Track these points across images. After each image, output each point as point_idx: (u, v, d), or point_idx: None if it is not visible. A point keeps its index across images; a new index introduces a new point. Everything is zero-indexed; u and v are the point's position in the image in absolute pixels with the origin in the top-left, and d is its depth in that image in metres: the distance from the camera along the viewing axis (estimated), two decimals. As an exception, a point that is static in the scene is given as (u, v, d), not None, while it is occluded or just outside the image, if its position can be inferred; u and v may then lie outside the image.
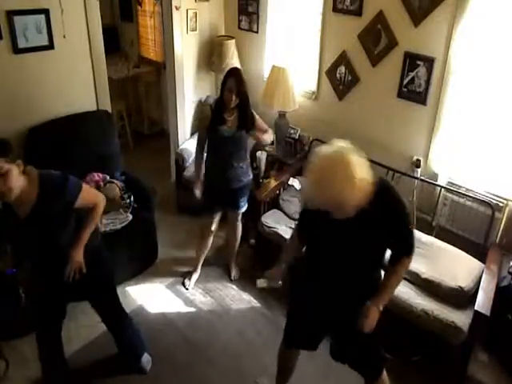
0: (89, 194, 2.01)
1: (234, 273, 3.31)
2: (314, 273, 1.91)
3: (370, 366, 2.02)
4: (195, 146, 2.96)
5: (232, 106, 2.68)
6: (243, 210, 3.08)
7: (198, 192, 2.91)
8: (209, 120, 2.75)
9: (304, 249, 1.98)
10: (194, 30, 3.97)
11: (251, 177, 3.01)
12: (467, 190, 2.99)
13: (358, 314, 1.78)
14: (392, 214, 1.68)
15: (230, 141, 2.76)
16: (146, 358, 2.59)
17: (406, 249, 1.80)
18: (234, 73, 2.68)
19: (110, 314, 2.39)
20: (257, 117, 2.84)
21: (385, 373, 2.03)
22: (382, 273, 1.91)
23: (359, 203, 1.51)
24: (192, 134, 4.16)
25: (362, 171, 1.48)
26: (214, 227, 3.09)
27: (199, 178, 2.93)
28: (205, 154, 2.92)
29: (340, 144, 1.54)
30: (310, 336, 2.07)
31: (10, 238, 2.06)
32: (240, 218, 3.15)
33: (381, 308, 1.77)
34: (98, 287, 2.24)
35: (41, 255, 2.03)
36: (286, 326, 2.14)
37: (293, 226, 3.21)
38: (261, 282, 2.02)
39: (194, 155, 3.96)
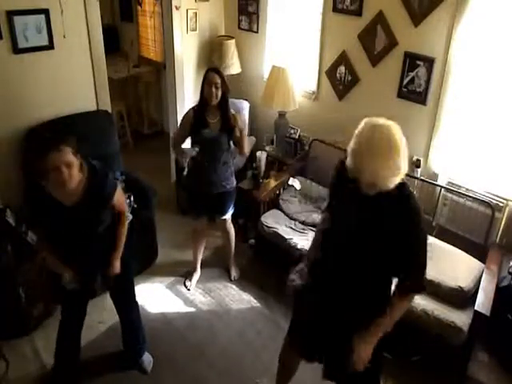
0: (120, 195, 2.18)
1: (233, 273, 3.31)
2: (321, 275, 1.85)
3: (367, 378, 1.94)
4: (175, 135, 2.89)
5: (214, 102, 2.64)
6: (229, 215, 3.04)
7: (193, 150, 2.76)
8: (191, 119, 2.72)
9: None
10: (194, 29, 3.97)
11: (235, 183, 2.96)
12: (467, 190, 2.99)
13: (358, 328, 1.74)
14: (406, 224, 1.60)
15: (213, 143, 2.72)
16: (147, 358, 2.60)
17: (415, 279, 1.68)
18: (214, 68, 2.71)
19: (126, 304, 2.45)
20: (236, 115, 2.78)
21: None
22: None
23: (390, 182, 1.50)
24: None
25: (401, 146, 1.52)
26: (203, 229, 3.09)
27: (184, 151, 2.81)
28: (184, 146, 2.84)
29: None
30: (310, 343, 1.99)
31: (51, 226, 2.08)
32: (229, 222, 3.11)
33: (373, 341, 1.71)
34: (121, 278, 2.30)
35: (76, 246, 2.10)
36: (290, 326, 2.08)
37: (293, 226, 3.22)
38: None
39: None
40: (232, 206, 3.01)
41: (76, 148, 1.88)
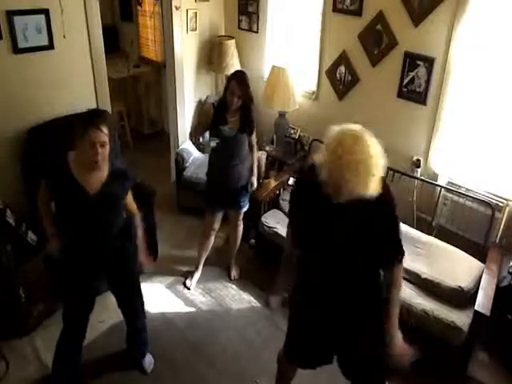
0: (130, 195, 2.24)
1: (233, 273, 3.31)
2: (311, 285, 1.83)
3: (374, 379, 1.97)
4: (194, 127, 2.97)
5: (233, 108, 2.69)
6: (245, 209, 3.08)
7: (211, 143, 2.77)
8: (211, 115, 2.75)
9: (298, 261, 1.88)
10: (194, 29, 3.97)
11: (251, 179, 3.02)
12: (467, 190, 2.99)
13: (361, 329, 1.77)
14: (388, 226, 1.65)
15: (231, 141, 2.76)
16: (149, 358, 2.60)
17: (397, 255, 1.72)
18: (238, 76, 2.69)
19: (131, 299, 2.44)
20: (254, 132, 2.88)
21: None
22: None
23: (368, 189, 1.46)
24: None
25: (380, 154, 1.48)
26: (216, 226, 3.10)
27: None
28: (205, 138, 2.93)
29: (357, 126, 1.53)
30: (312, 355, 1.97)
31: (72, 215, 2.08)
32: (241, 217, 3.15)
33: (399, 336, 1.80)
34: (126, 268, 2.33)
35: (94, 238, 2.11)
36: (287, 341, 2.03)
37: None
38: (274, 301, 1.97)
39: (193, 155, 3.99)
40: (247, 201, 3.05)
41: (110, 133, 1.96)
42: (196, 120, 2.92)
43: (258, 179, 3.48)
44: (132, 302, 2.46)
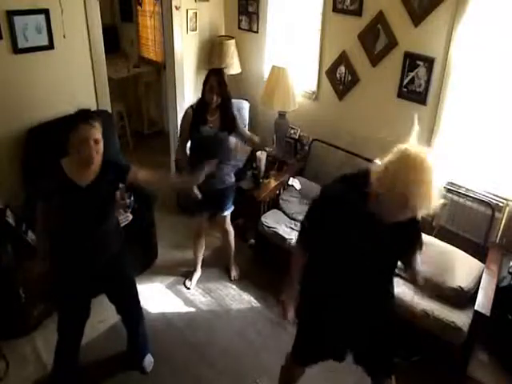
0: (142, 173, 2.26)
1: (233, 273, 3.31)
2: (325, 286, 1.81)
3: (385, 368, 1.98)
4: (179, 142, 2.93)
5: (213, 105, 2.66)
6: (229, 212, 3.04)
7: (195, 191, 2.79)
8: (190, 118, 2.72)
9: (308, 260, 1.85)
10: (194, 30, 3.97)
11: (234, 180, 2.97)
12: (467, 190, 2.99)
13: (374, 327, 1.80)
14: (415, 232, 1.71)
15: (212, 141, 2.73)
16: (149, 359, 2.60)
17: (420, 247, 1.79)
18: (216, 73, 2.67)
19: (130, 306, 2.44)
20: (240, 125, 2.84)
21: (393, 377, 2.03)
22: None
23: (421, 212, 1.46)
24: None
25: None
26: (205, 225, 3.09)
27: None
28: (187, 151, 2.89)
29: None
30: (326, 349, 1.94)
31: (64, 215, 2.07)
32: (228, 220, 3.10)
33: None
34: (124, 273, 2.33)
35: (90, 234, 2.09)
36: (296, 343, 2.01)
37: (293, 226, 3.22)
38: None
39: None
40: (231, 203, 3.01)
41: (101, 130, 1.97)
42: (180, 128, 2.89)
43: (258, 178, 3.49)
44: (130, 310, 2.45)
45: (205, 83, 2.66)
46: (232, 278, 3.30)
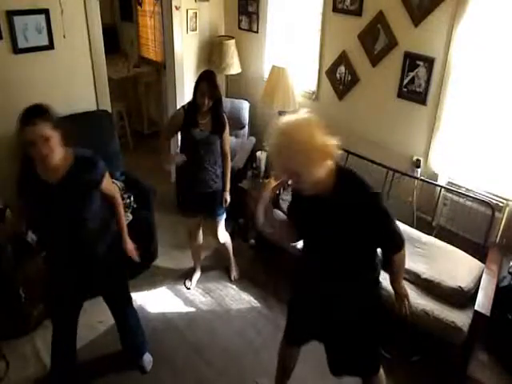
0: (109, 181, 2.17)
1: (233, 273, 3.31)
2: (309, 268, 1.90)
3: (366, 367, 2.00)
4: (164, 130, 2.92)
5: (205, 109, 2.65)
6: (220, 218, 2.98)
7: (178, 158, 2.78)
8: (181, 118, 2.70)
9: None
10: (194, 29, 3.97)
11: (220, 185, 2.90)
12: (467, 190, 2.99)
13: (354, 320, 1.81)
14: (368, 212, 1.59)
15: (202, 144, 2.71)
16: (147, 358, 2.59)
17: (393, 247, 1.75)
18: (207, 76, 2.63)
19: (121, 307, 2.43)
20: (226, 133, 2.80)
21: (381, 370, 2.03)
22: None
23: (318, 179, 1.53)
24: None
25: (320, 139, 1.50)
26: (197, 227, 3.08)
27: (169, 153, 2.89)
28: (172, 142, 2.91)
29: (305, 113, 1.57)
30: (307, 331, 2.05)
31: (39, 214, 2.07)
32: (221, 227, 3.04)
33: (402, 284, 1.89)
34: (114, 277, 2.31)
35: (69, 234, 2.05)
36: (286, 323, 2.13)
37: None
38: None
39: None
40: (223, 210, 2.96)
41: (54, 122, 1.87)
42: (167, 124, 2.90)
43: (258, 178, 3.48)
44: (119, 312, 2.44)
45: (196, 87, 2.64)
46: (232, 279, 3.30)
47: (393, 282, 1.89)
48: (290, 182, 1.60)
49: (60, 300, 2.23)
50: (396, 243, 1.74)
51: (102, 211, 2.13)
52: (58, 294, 2.22)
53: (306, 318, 1.99)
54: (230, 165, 2.91)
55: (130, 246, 2.32)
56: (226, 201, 2.92)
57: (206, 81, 2.60)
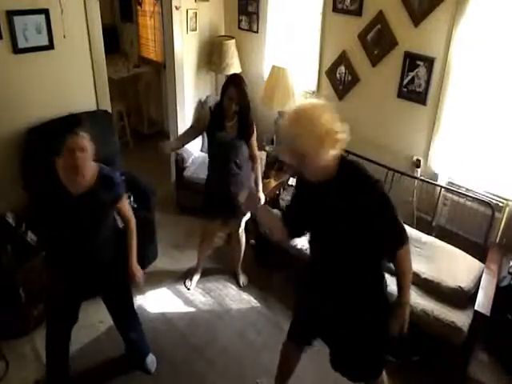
0: (126, 202, 2.27)
1: (242, 279, 3.26)
2: (313, 267, 1.90)
3: (368, 371, 1.99)
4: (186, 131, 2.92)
5: (231, 112, 2.64)
6: (243, 218, 2.98)
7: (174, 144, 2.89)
8: (207, 120, 2.70)
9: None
10: (194, 30, 3.97)
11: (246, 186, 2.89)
12: (467, 190, 3.00)
13: (356, 323, 1.80)
14: (370, 199, 1.59)
15: (228, 147, 2.70)
16: (150, 358, 2.59)
17: (396, 240, 1.71)
18: (235, 81, 2.62)
19: (123, 311, 2.43)
20: (254, 138, 2.79)
21: (384, 373, 2.03)
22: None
23: (322, 165, 1.54)
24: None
25: (331, 124, 1.52)
26: (214, 231, 3.07)
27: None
28: (189, 142, 2.91)
29: (316, 100, 1.60)
30: (308, 330, 2.05)
31: (54, 220, 2.09)
32: (243, 227, 3.05)
33: (407, 302, 1.84)
34: (116, 282, 2.31)
35: (79, 242, 2.08)
36: (291, 322, 2.14)
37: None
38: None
39: (193, 155, 3.98)
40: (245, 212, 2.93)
41: (90, 138, 1.96)
42: (192, 123, 2.89)
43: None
44: (121, 318, 2.44)
45: (223, 91, 2.62)
46: (241, 285, 3.24)
47: (399, 296, 1.83)
48: (291, 168, 1.60)
49: (58, 301, 2.23)
50: (399, 235, 1.71)
51: (114, 223, 2.24)
52: (57, 294, 2.22)
53: (310, 318, 1.98)
54: (260, 167, 2.92)
55: (135, 271, 2.27)
56: (259, 200, 2.84)
57: (234, 85, 2.58)
